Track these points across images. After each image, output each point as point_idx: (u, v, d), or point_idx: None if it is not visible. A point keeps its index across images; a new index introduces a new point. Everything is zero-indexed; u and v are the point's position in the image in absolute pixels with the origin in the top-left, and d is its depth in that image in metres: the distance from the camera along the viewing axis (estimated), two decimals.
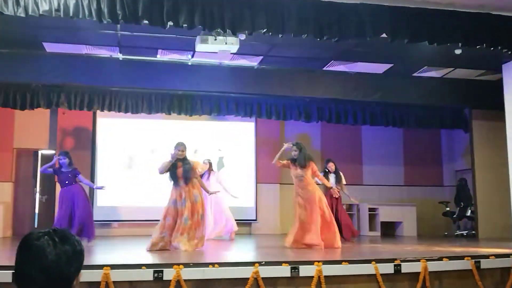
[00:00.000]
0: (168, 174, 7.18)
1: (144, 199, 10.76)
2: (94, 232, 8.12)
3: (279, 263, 5.11)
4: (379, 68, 9.72)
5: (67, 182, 7.98)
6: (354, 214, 11.39)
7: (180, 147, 7.16)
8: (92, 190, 10.05)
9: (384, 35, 6.58)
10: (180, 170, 7.09)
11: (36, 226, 10.73)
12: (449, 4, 6.59)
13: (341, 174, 9.46)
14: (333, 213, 8.35)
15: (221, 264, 4.98)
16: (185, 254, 6.45)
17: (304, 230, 7.35)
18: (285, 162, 7.74)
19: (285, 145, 7.80)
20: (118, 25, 7.14)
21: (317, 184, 7.86)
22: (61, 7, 5.62)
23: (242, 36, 6.97)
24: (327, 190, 8.62)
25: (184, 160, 7.15)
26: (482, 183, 10.39)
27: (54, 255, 1.49)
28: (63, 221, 7.72)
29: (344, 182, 9.47)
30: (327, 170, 9.33)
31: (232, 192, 9.76)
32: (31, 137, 10.59)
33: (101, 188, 8.52)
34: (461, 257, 5.71)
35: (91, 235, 7.88)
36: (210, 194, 8.12)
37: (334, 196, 8.72)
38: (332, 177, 9.31)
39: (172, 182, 7.18)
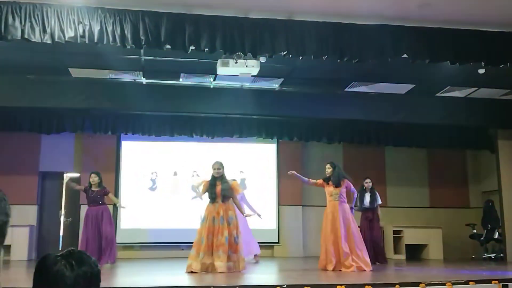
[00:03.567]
0: (206, 192, 7.24)
1: (167, 222, 10.82)
2: (116, 255, 8.23)
3: (301, 287, 5.05)
4: (401, 88, 9.65)
5: (94, 202, 8.13)
6: None
7: (217, 165, 7.24)
8: (116, 212, 10.21)
9: (405, 55, 6.57)
10: (219, 188, 7.15)
11: (60, 248, 10.85)
12: (471, 23, 6.55)
13: (376, 194, 9.45)
14: (368, 234, 8.80)
15: None
16: (208, 277, 6.42)
17: (325, 251, 7.38)
18: (319, 181, 7.77)
19: (294, 173, 7.81)
20: (142, 50, 7.29)
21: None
22: (86, 33, 5.77)
23: (263, 59, 7.03)
24: (367, 211, 8.78)
25: (222, 178, 7.22)
26: (509, 205, 10.15)
27: (73, 279, 1.49)
28: (90, 242, 7.82)
29: (379, 201, 9.45)
30: (364, 187, 9.34)
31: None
32: (56, 160, 10.78)
33: (123, 207, 8.64)
34: (488, 281, 5.56)
35: (113, 258, 7.96)
36: (245, 216, 8.09)
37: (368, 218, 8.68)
38: (367, 196, 9.29)
39: (210, 199, 7.22)
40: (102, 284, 1.58)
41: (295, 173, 7.79)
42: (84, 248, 7.55)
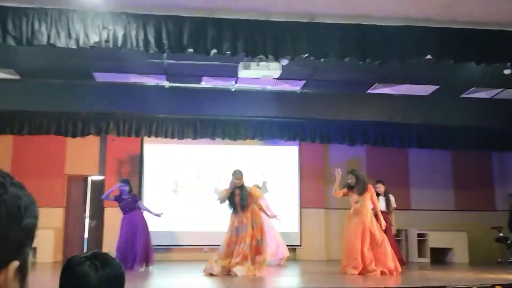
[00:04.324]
0: (227, 202, 7.27)
1: (190, 224, 10.88)
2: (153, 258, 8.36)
3: None
4: (425, 90, 9.54)
5: (127, 209, 8.26)
6: (403, 240, 11.09)
7: (237, 175, 7.24)
8: None
9: (429, 56, 6.49)
10: (237, 198, 7.16)
11: (85, 251, 10.99)
12: (496, 23, 6.44)
13: (391, 197, 9.28)
14: None
15: None
16: (232, 280, 6.44)
17: (348, 255, 7.32)
18: (343, 191, 7.74)
19: (337, 173, 7.74)
20: (165, 54, 7.35)
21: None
22: (110, 38, 5.85)
23: (285, 61, 7.03)
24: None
25: (241, 187, 7.22)
26: None
27: (96, 279, 1.52)
28: (124, 246, 7.95)
29: (394, 205, 9.28)
30: (376, 192, 9.21)
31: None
32: (81, 163, 10.95)
33: (159, 215, 8.65)
34: None
35: (151, 261, 8.11)
36: (271, 217, 8.09)
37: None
38: (381, 199, 9.15)
39: (232, 209, 7.25)
40: (126, 285, 1.60)
41: (339, 174, 7.71)
42: (120, 252, 7.69)
